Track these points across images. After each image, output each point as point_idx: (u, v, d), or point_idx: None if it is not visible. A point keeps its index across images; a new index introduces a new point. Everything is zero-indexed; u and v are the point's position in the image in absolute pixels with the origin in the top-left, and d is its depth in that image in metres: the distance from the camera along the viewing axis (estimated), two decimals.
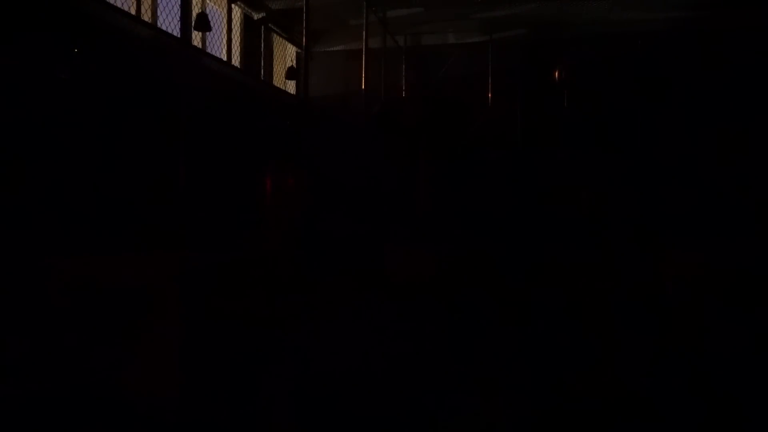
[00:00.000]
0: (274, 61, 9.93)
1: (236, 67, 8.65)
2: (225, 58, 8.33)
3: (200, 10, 7.60)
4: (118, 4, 5.76)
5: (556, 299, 5.58)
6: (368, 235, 7.14)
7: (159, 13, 7.01)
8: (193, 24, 6.95)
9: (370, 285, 5.83)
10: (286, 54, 10.31)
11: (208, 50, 7.69)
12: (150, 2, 7.00)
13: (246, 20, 9.25)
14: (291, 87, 9.77)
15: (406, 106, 9.96)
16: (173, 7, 6.57)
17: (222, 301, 4.11)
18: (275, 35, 9.87)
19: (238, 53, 9.07)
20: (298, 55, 10.30)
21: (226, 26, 8.58)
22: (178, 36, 5.94)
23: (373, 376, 3.73)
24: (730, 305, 5.31)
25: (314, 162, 7.09)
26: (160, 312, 3.57)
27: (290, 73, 9.65)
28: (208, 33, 7.56)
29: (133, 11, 6.44)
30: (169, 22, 6.60)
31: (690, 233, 7.63)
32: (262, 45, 9.50)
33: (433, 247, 7.03)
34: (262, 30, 9.50)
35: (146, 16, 6.86)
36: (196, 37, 7.38)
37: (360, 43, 8.36)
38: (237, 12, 9.02)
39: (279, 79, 9.91)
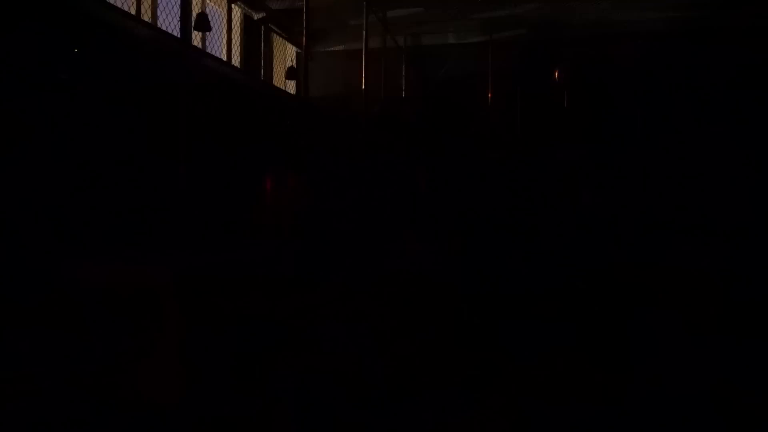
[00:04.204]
0: (274, 61, 9.93)
1: (236, 67, 8.65)
2: (225, 58, 8.33)
3: (200, 10, 7.60)
4: (118, 4, 5.76)
5: (556, 302, 5.58)
6: (369, 235, 7.14)
7: (159, 13, 7.01)
8: (193, 24, 6.95)
9: (371, 284, 5.83)
10: (286, 54, 10.31)
11: (208, 50, 7.69)
12: (150, 2, 7.00)
13: (246, 20, 9.25)
14: (291, 87, 9.77)
15: (406, 106, 9.96)
16: (173, 7, 6.57)
17: (223, 301, 4.11)
18: (275, 35, 9.87)
19: (238, 53, 9.07)
20: (298, 55, 10.30)
21: (226, 26, 8.58)
22: (178, 36, 5.94)
23: (374, 375, 3.73)
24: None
25: (314, 162, 7.09)
26: (161, 312, 3.57)
27: (290, 73, 9.65)
28: (208, 33, 7.56)
29: (133, 11, 6.44)
30: (169, 22, 6.60)
31: (692, 235, 7.63)
32: (262, 45, 9.50)
33: (433, 247, 7.03)
34: (262, 30, 9.50)
35: (146, 16, 6.86)
36: (196, 37, 7.38)
37: (360, 43, 8.35)
38: (237, 12, 9.02)
39: (279, 79, 9.91)
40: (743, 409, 3.07)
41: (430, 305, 5.43)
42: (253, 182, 6.38)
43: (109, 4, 5.42)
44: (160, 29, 6.50)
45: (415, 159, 8.92)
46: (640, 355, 3.98)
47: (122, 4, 5.91)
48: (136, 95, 4.91)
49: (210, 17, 7.39)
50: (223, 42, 8.51)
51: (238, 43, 9.09)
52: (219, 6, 8.61)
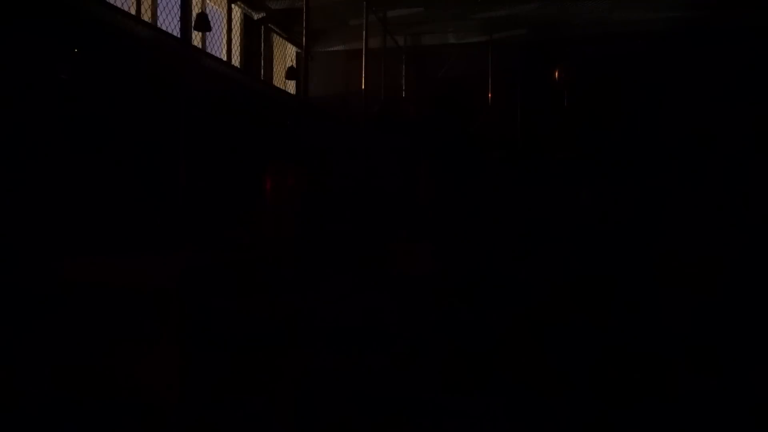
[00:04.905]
0: (274, 61, 9.93)
1: (236, 67, 8.64)
2: (225, 58, 8.33)
3: (200, 10, 7.59)
4: (118, 4, 5.76)
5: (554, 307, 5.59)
6: (368, 235, 7.14)
7: (159, 13, 7.01)
8: (193, 24, 6.93)
9: (371, 284, 5.83)
10: (286, 54, 10.31)
11: (208, 50, 7.68)
12: (150, 2, 7.00)
13: (246, 20, 9.25)
14: (291, 87, 9.76)
15: (405, 106, 9.96)
16: (173, 7, 6.57)
17: (223, 300, 4.10)
18: (275, 35, 9.87)
19: (238, 53, 9.06)
20: (298, 55, 10.30)
21: (226, 26, 8.58)
22: (178, 36, 5.93)
23: (373, 375, 3.73)
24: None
25: (314, 162, 7.09)
26: (161, 311, 3.57)
27: (290, 73, 9.64)
28: (208, 33, 7.55)
29: (133, 11, 6.43)
30: (169, 22, 6.60)
31: (691, 236, 7.63)
32: (262, 45, 9.50)
33: (433, 247, 7.03)
34: (262, 30, 9.50)
35: (146, 16, 6.85)
36: (196, 37, 7.38)
37: (360, 43, 8.35)
38: (237, 12, 9.02)
39: (279, 79, 9.91)
40: None
41: (428, 304, 5.42)
42: (253, 182, 6.38)
43: (109, 4, 5.42)
44: (160, 29, 6.50)
45: (415, 159, 8.92)
46: None
47: (122, 4, 5.91)
48: (136, 95, 4.91)
49: (210, 17, 7.38)
50: (223, 42, 8.50)
51: (238, 43, 9.08)
52: (219, 6, 8.60)
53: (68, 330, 3.41)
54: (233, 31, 8.79)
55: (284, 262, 5.76)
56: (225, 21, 8.59)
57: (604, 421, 3.22)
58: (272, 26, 9.62)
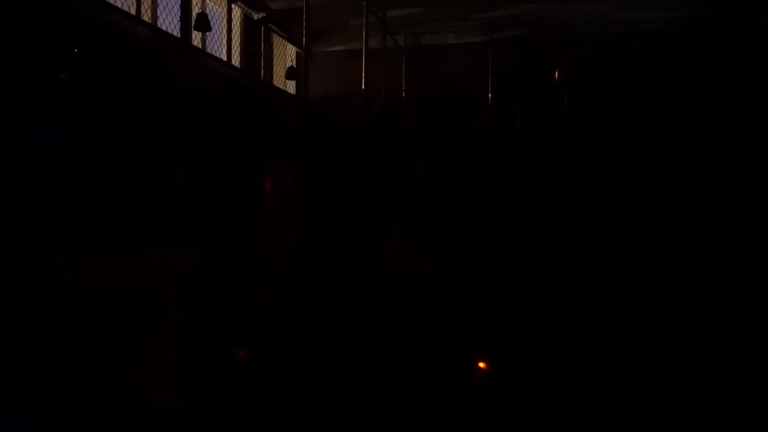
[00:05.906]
0: (274, 61, 9.93)
1: (236, 67, 8.65)
2: (225, 58, 8.33)
3: (200, 10, 7.59)
4: (118, 4, 5.76)
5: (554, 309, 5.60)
6: (368, 235, 7.14)
7: (159, 13, 7.00)
8: (193, 24, 6.94)
9: (371, 284, 5.83)
10: (286, 54, 10.31)
11: (208, 50, 7.68)
12: (150, 2, 6.99)
13: (246, 20, 9.25)
14: (291, 87, 9.77)
15: (405, 106, 9.96)
16: (173, 7, 6.56)
17: (223, 300, 4.11)
18: (275, 35, 9.87)
19: (238, 53, 9.06)
20: (298, 55, 10.30)
21: (226, 26, 8.58)
22: (178, 36, 5.93)
23: (373, 374, 3.73)
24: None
25: (314, 162, 7.09)
26: (160, 311, 3.57)
27: (290, 73, 9.64)
28: (208, 33, 7.55)
29: (133, 11, 6.43)
30: (169, 22, 6.59)
31: (691, 234, 7.63)
32: (262, 45, 9.49)
33: (433, 247, 7.03)
34: (262, 30, 9.50)
35: (146, 16, 6.85)
36: (196, 37, 7.37)
37: (360, 43, 8.35)
38: (237, 12, 9.02)
39: (279, 79, 9.91)
40: None
41: (428, 304, 5.43)
42: (253, 182, 6.38)
43: (109, 4, 5.42)
44: (160, 29, 6.50)
45: (415, 159, 8.92)
46: None
47: (122, 4, 5.90)
48: (136, 95, 4.91)
49: (210, 17, 7.37)
50: (223, 42, 8.50)
51: (238, 43, 9.08)
52: (219, 6, 8.60)
53: (68, 330, 3.41)
54: (233, 31, 8.79)
55: (284, 262, 5.76)
56: (225, 21, 8.59)
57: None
58: (272, 26, 9.62)
